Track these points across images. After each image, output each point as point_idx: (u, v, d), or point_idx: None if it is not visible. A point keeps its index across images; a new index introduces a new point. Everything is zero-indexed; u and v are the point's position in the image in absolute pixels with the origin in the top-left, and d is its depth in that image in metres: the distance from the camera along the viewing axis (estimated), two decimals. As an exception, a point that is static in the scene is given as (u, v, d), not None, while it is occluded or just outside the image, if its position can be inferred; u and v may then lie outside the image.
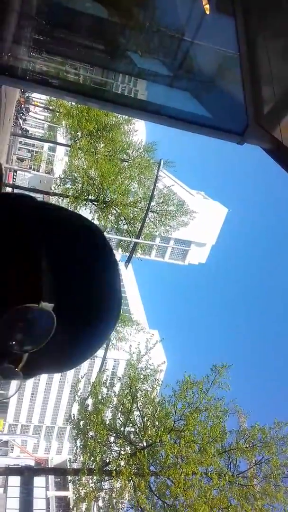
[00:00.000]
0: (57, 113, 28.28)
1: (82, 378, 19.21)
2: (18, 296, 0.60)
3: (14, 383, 0.69)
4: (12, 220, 0.70)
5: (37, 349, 0.61)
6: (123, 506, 15.14)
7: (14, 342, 0.60)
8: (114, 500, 14.78)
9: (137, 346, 17.47)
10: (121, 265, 21.02)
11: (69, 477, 18.42)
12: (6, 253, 0.64)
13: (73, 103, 21.91)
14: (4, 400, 51.66)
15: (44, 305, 0.58)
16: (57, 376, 52.48)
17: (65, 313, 0.62)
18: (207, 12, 3.58)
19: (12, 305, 0.58)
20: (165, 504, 14.16)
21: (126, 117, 23.30)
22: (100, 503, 16.37)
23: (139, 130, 28.91)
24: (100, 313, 0.71)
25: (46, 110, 40.96)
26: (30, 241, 0.66)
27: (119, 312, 0.77)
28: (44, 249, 0.65)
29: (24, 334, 0.60)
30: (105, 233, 0.84)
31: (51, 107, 32.21)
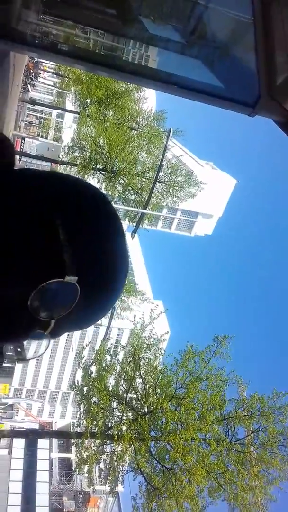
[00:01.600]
0: (67, 79, 27.74)
1: (86, 346, 19.51)
2: (45, 271, 0.66)
3: (38, 344, 0.77)
4: (23, 196, 0.74)
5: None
6: (123, 469, 15.61)
7: (43, 311, 0.68)
8: (115, 463, 15.25)
9: (141, 316, 17.63)
10: (128, 236, 20.99)
11: (72, 440, 18.97)
12: (25, 230, 0.69)
13: (83, 71, 21.46)
14: (10, 365, 52.73)
15: (69, 279, 0.66)
16: (62, 343, 53.36)
17: (85, 280, 0.68)
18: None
19: (40, 280, 0.64)
20: (164, 468, 14.57)
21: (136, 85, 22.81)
22: (102, 465, 16.91)
23: (149, 98, 28.31)
24: (113, 277, 0.79)
25: (55, 76, 40.14)
26: (46, 216, 0.71)
27: (127, 274, 0.85)
28: (60, 222, 0.70)
29: (52, 305, 0.68)
30: (112, 203, 0.88)
31: (60, 73, 31.55)
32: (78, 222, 0.75)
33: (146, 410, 15.29)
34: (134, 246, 55.70)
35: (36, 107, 47.27)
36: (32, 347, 0.81)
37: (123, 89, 23.61)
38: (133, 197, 22.98)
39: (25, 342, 0.78)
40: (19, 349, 0.79)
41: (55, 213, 0.71)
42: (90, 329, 50.64)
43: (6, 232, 0.68)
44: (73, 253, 0.67)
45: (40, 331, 0.71)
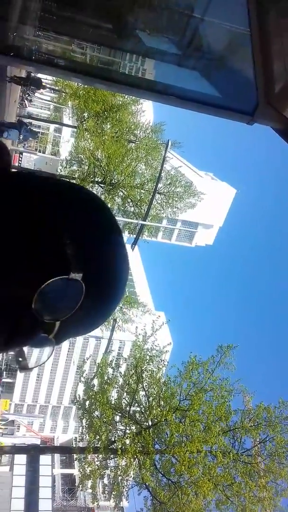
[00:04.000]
0: (63, 94, 27.97)
1: (88, 359, 19.40)
2: (48, 270, 0.64)
3: (41, 351, 0.75)
4: (27, 196, 0.73)
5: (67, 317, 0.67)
6: (128, 483, 15.42)
7: (47, 312, 0.65)
8: (119, 478, 15.07)
9: (143, 327, 17.57)
10: (128, 248, 20.91)
11: (75, 455, 18.76)
12: (28, 229, 0.67)
13: (80, 84, 21.68)
14: (11, 381, 52.46)
15: (74, 276, 0.64)
16: (63, 356, 53.10)
17: (89, 280, 0.66)
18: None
19: (43, 279, 0.62)
20: (170, 481, 14.41)
21: (133, 97, 23.02)
22: (106, 481, 16.70)
23: (147, 111, 28.53)
24: (116, 276, 0.78)
25: (52, 91, 40.51)
26: (49, 216, 0.70)
27: (128, 274, 0.83)
28: (63, 222, 0.70)
29: (57, 306, 0.66)
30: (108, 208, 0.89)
31: (57, 88, 31.83)
32: (80, 222, 0.75)
33: (150, 423, 15.15)
34: (134, 258, 55.74)
35: (34, 122, 47.64)
36: (34, 355, 0.79)
37: (120, 102, 23.79)
38: (132, 209, 23.02)
39: (26, 350, 0.76)
40: (20, 358, 0.75)
41: (56, 213, 0.71)
42: (92, 342, 50.49)
43: (6, 231, 0.66)
44: (77, 252, 0.66)
45: (44, 335, 0.68)
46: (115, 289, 0.79)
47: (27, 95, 27.93)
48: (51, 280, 0.62)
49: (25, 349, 0.76)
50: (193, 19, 4.24)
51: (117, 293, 0.80)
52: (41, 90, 28.24)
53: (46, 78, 37.39)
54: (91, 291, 0.68)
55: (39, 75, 21.71)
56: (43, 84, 23.86)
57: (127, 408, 15.68)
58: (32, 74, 20.32)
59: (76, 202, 0.79)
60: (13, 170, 0.87)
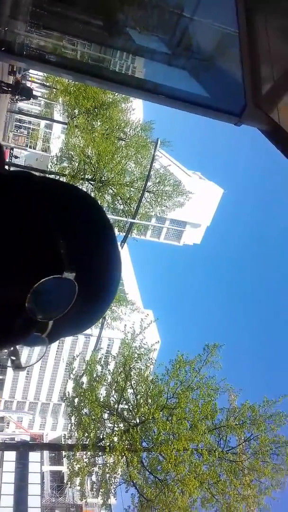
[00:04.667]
0: (54, 90, 27.84)
1: (77, 356, 19.39)
2: (41, 269, 0.63)
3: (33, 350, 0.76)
4: (19, 196, 0.73)
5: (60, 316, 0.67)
6: (116, 481, 15.45)
7: (41, 311, 0.65)
8: (107, 475, 15.10)
9: (132, 325, 17.59)
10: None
11: (64, 453, 18.72)
12: (21, 229, 0.67)
13: (70, 80, 21.58)
14: (0, 377, 52.23)
15: (67, 275, 0.63)
16: (52, 353, 52.94)
17: (82, 280, 0.66)
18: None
19: (36, 278, 0.62)
20: (157, 479, 14.46)
21: (123, 95, 23.00)
22: (94, 478, 16.71)
23: (137, 109, 28.50)
24: (108, 276, 0.77)
25: (43, 87, 40.27)
26: (41, 215, 0.70)
27: (120, 274, 0.83)
28: (55, 222, 0.69)
29: (50, 304, 0.66)
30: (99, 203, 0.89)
31: (48, 84, 31.66)
32: (73, 222, 0.75)
33: (138, 421, 15.20)
34: (123, 256, 55.57)
35: (25, 117, 47.36)
36: (26, 353, 0.79)
37: (110, 100, 23.77)
38: (121, 207, 23.02)
39: (19, 348, 0.75)
40: (13, 357, 0.75)
41: (48, 212, 0.71)
42: (81, 340, 50.37)
43: None
44: (70, 251, 0.66)
45: (38, 334, 0.68)
46: (107, 289, 0.78)
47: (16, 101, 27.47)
48: (44, 279, 0.62)
49: (19, 347, 0.76)
50: (183, 19, 4.26)
51: (109, 293, 0.80)
52: (32, 100, 27.28)
53: (37, 74, 37.25)
54: (84, 291, 0.68)
55: (29, 85, 20.79)
56: (33, 94, 22.76)
57: (116, 406, 15.70)
58: (23, 82, 19.40)
59: (69, 201, 0.79)
60: (6, 169, 0.87)
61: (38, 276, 0.62)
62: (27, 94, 19.94)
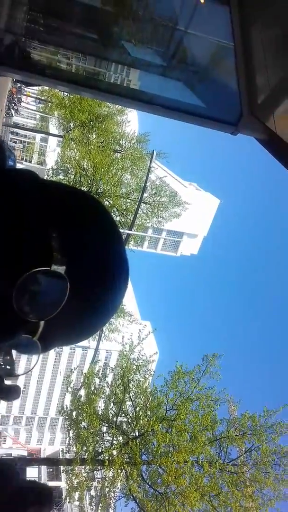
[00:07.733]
0: (49, 104, 28.05)
1: (74, 369, 19.27)
2: (30, 262, 0.59)
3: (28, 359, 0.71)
4: (18, 189, 0.71)
5: (52, 317, 0.61)
6: (115, 495, 15.25)
7: (29, 309, 0.60)
8: (107, 489, 14.89)
9: (130, 337, 17.50)
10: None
11: (62, 467, 18.48)
12: (13, 222, 0.63)
13: (65, 93, 21.75)
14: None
15: (56, 268, 0.59)
16: (49, 367, 52.57)
17: (76, 278, 0.62)
18: (202, 1, 3.58)
19: (24, 272, 0.58)
20: (157, 492, 14.27)
21: (119, 107, 23.19)
22: (93, 492, 16.48)
23: (132, 121, 28.75)
24: (109, 278, 0.71)
25: (38, 101, 40.57)
26: (33, 209, 0.66)
27: (127, 280, 0.76)
28: (51, 216, 0.66)
29: (39, 301, 0.61)
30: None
31: (43, 98, 31.90)
32: (70, 219, 0.70)
33: (137, 433, 15.04)
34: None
35: (20, 131, 47.59)
36: (21, 362, 0.76)
37: (105, 112, 23.96)
38: (118, 218, 23.06)
39: (15, 355, 0.71)
40: (8, 366, 0.71)
41: (46, 210, 0.67)
42: (78, 352, 50.08)
43: None
44: (63, 246, 0.61)
45: (27, 336, 0.63)
46: (109, 288, 0.71)
47: (13, 105, 27.76)
48: (30, 272, 0.57)
49: (14, 355, 0.71)
50: (178, 32, 4.32)
51: (112, 298, 0.73)
52: (27, 100, 27.72)
53: (32, 88, 37.51)
54: (81, 291, 0.64)
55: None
56: (29, 94, 22.90)
57: (114, 419, 15.54)
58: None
59: (65, 195, 0.76)
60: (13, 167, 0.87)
61: (25, 270, 0.58)
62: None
